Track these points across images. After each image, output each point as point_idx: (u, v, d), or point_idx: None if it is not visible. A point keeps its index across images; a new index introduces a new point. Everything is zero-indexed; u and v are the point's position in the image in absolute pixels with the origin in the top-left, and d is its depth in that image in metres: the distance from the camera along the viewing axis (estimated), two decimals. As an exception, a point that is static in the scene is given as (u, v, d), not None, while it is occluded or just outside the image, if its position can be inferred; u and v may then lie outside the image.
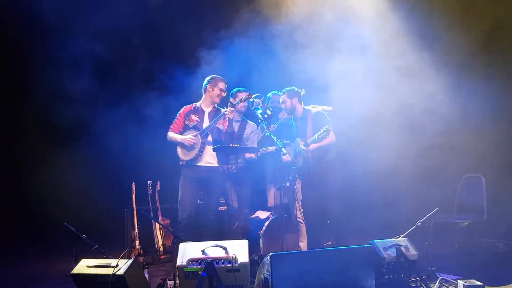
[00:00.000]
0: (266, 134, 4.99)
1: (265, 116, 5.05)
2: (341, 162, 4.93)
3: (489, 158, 5.83)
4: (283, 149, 4.59)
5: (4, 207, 6.70)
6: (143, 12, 6.43)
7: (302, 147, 4.74)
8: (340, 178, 4.84)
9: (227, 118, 4.66)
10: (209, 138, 4.72)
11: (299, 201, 5.07)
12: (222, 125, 4.72)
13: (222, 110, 4.69)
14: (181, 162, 4.75)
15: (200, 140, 4.64)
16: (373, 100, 5.62)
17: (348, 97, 5.46)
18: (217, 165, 4.74)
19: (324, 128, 4.55)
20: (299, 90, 5.01)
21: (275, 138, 4.71)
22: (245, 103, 5.11)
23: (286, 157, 4.80)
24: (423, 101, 5.58)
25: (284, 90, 5.00)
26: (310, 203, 4.90)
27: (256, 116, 4.99)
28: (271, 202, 5.28)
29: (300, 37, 5.78)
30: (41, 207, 6.69)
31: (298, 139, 4.86)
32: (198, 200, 4.95)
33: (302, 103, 5.05)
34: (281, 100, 5.03)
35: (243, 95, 5.12)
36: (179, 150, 4.77)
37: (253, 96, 5.29)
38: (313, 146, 4.73)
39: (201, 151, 4.65)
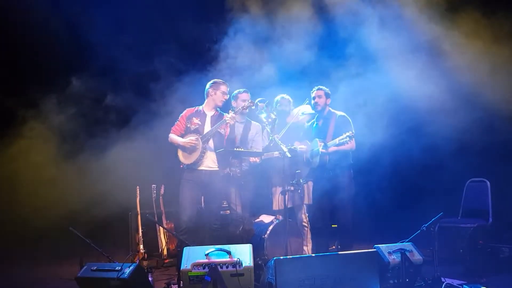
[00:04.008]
0: (270, 138, 4.98)
1: (269, 120, 5.04)
2: (355, 170, 4.92)
3: (495, 162, 5.82)
4: (287, 154, 4.56)
5: (9, 210, 6.72)
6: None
7: (320, 148, 4.72)
8: (353, 186, 4.83)
9: (229, 124, 4.67)
10: (210, 143, 4.72)
11: (304, 205, 5.06)
12: (224, 130, 4.73)
13: (224, 115, 4.70)
14: (181, 166, 4.76)
15: (201, 144, 4.64)
16: (376, 102, 5.62)
17: (353, 100, 5.46)
18: (217, 169, 4.75)
19: (348, 134, 4.51)
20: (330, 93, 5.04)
21: (280, 142, 4.69)
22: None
23: (302, 148, 4.81)
24: (428, 104, 5.57)
25: (321, 87, 4.99)
26: (318, 207, 4.89)
27: (260, 119, 4.98)
28: (276, 206, 5.26)
29: (305, 39, 5.83)
30: (46, 211, 6.71)
31: (317, 139, 4.83)
32: (202, 204, 4.95)
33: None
34: (317, 94, 4.99)
35: (244, 96, 5.11)
36: (180, 153, 4.78)
37: (257, 100, 5.29)
38: (332, 149, 4.70)
39: (202, 155, 4.65)
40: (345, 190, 4.74)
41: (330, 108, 5.02)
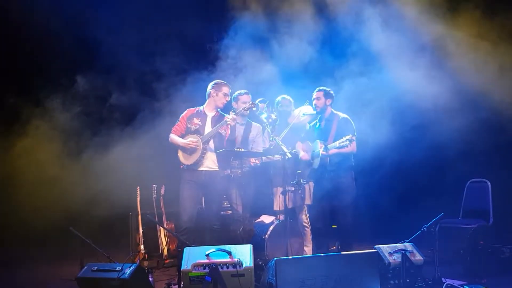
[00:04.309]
0: (271, 139, 4.98)
1: (270, 120, 5.04)
2: (357, 170, 4.91)
3: (496, 163, 5.81)
4: (288, 155, 4.56)
5: (9, 210, 6.72)
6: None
7: (321, 151, 4.71)
8: (354, 187, 4.83)
9: (229, 125, 4.67)
10: (211, 144, 4.72)
11: (305, 206, 5.05)
12: (224, 131, 4.72)
13: (225, 116, 4.70)
14: (181, 166, 4.75)
15: (202, 145, 4.64)
16: (377, 104, 5.62)
17: (355, 100, 5.46)
18: (217, 169, 4.74)
19: (348, 137, 4.50)
20: (333, 94, 4.99)
21: (280, 142, 4.69)
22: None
23: (304, 156, 4.79)
24: (430, 105, 5.56)
25: (321, 88, 4.97)
26: (319, 207, 4.89)
27: (260, 120, 4.98)
28: (277, 206, 5.27)
29: (307, 38, 5.83)
30: (46, 211, 6.71)
31: (318, 141, 4.82)
32: (202, 204, 4.95)
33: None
34: (314, 95, 4.97)
35: (244, 98, 5.10)
36: (180, 154, 4.76)
37: (258, 100, 5.28)
38: (332, 151, 4.70)
39: (202, 156, 4.65)
40: (345, 191, 4.74)
41: (332, 110, 5.00)
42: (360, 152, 5.04)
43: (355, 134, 4.69)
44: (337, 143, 4.59)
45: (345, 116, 4.94)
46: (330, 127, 4.87)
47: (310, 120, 5.26)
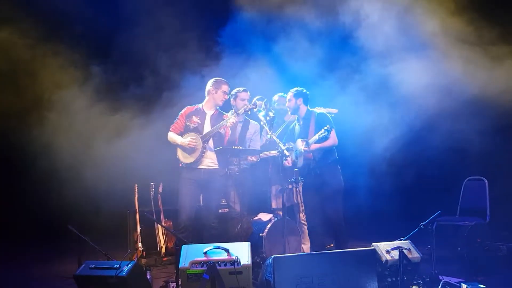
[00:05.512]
0: (268, 136, 4.98)
1: (267, 118, 5.03)
2: (341, 165, 4.92)
3: (493, 161, 5.83)
4: (285, 152, 4.56)
5: (8, 208, 6.71)
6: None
7: (303, 147, 4.71)
8: (341, 181, 4.83)
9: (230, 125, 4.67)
10: (210, 143, 4.71)
11: (302, 203, 5.06)
12: (223, 130, 4.71)
13: (224, 114, 4.68)
14: (180, 165, 4.75)
15: (201, 144, 4.64)
16: (375, 103, 5.62)
17: (351, 100, 5.46)
18: (217, 167, 4.74)
19: (325, 128, 4.52)
20: (307, 92, 4.98)
21: (278, 140, 4.69)
22: (247, 104, 5.06)
23: (288, 162, 4.79)
24: (429, 105, 5.57)
25: (292, 90, 4.97)
26: (311, 205, 4.89)
27: (258, 117, 4.97)
28: (275, 204, 5.27)
29: (303, 38, 5.83)
30: (44, 209, 6.70)
31: (299, 139, 4.82)
32: (200, 202, 4.96)
33: (308, 104, 5.01)
34: (287, 98, 5.00)
35: (243, 95, 5.10)
36: (179, 152, 4.76)
37: (256, 98, 5.28)
38: (314, 146, 4.68)
39: (202, 155, 4.64)
40: (333, 187, 4.72)
41: (308, 108, 4.97)
42: (362, 151, 5.05)
43: (334, 126, 4.68)
44: (316, 136, 4.57)
45: (321, 111, 4.94)
46: (308, 125, 4.86)
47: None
